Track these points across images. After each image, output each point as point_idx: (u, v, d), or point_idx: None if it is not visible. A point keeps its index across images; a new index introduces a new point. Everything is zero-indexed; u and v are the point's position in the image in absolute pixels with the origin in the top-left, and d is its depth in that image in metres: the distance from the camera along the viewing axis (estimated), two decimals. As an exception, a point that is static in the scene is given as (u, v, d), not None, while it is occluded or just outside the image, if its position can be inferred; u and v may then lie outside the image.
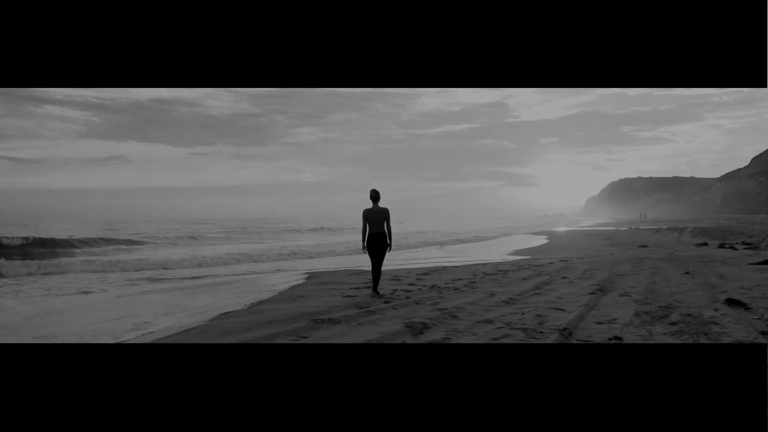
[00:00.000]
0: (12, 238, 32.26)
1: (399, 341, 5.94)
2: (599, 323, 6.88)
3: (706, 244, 23.92)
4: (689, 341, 5.65)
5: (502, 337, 5.86)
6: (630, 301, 8.74)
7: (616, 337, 5.71)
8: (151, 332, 7.06)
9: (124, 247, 34.64)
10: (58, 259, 21.46)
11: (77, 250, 31.49)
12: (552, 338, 5.81)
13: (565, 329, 6.23)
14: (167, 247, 34.59)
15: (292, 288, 11.22)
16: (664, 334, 6.06)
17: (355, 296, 9.47)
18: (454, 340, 5.87)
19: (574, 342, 5.80)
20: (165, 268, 18.16)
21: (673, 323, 6.59)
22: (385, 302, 8.65)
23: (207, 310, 8.64)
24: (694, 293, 9.51)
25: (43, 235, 35.70)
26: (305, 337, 6.09)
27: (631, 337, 5.87)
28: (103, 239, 37.99)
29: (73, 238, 36.58)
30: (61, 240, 34.87)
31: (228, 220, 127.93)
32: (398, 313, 7.67)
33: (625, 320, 6.96)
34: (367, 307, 8.13)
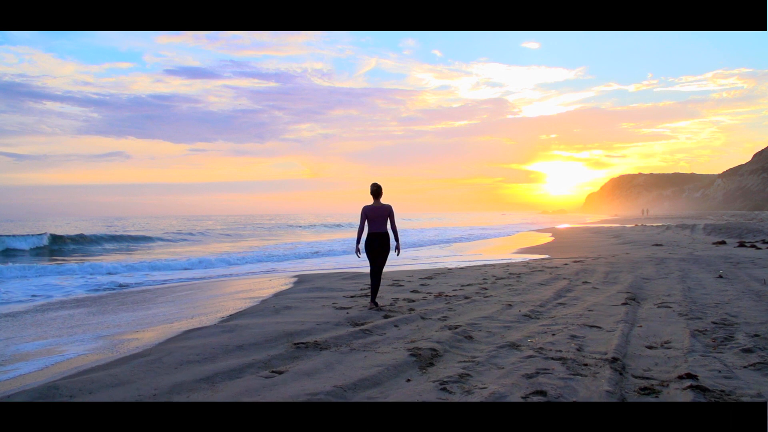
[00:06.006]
0: (35, 235, 31.47)
1: (402, 377, 4.57)
2: (650, 348, 5.53)
3: (723, 242, 22.63)
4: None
5: (537, 373, 4.48)
6: (673, 314, 7.39)
7: (689, 375, 4.34)
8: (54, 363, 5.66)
9: (142, 244, 33.57)
10: (54, 260, 20.15)
11: (93, 248, 30.48)
12: (604, 374, 4.44)
13: (615, 359, 4.86)
14: (168, 246, 33.32)
15: (277, 295, 9.82)
16: (745, 367, 4.70)
17: (350, 308, 8.08)
18: (475, 377, 4.50)
19: (631, 378, 4.44)
20: (153, 269, 16.82)
21: (748, 350, 5.23)
22: (385, 317, 7.27)
23: (171, 324, 7.26)
24: (743, 303, 8.17)
25: (48, 232, 34.41)
26: (280, 372, 4.71)
27: (703, 372, 4.51)
28: (118, 236, 36.90)
29: (82, 235, 35.49)
30: (72, 237, 33.85)
31: (227, 217, 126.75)
32: (401, 332, 6.29)
33: (683, 344, 5.60)
34: (363, 324, 6.75)
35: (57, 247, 30.43)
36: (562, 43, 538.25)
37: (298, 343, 5.66)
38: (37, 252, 27.81)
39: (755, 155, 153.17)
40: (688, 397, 3.82)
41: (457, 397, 3.97)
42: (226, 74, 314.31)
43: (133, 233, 41.76)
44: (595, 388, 4.11)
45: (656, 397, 3.99)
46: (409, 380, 4.48)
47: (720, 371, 4.52)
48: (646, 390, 4.12)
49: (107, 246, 32.20)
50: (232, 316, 7.74)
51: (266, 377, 4.57)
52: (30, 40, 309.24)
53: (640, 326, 6.62)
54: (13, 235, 31.96)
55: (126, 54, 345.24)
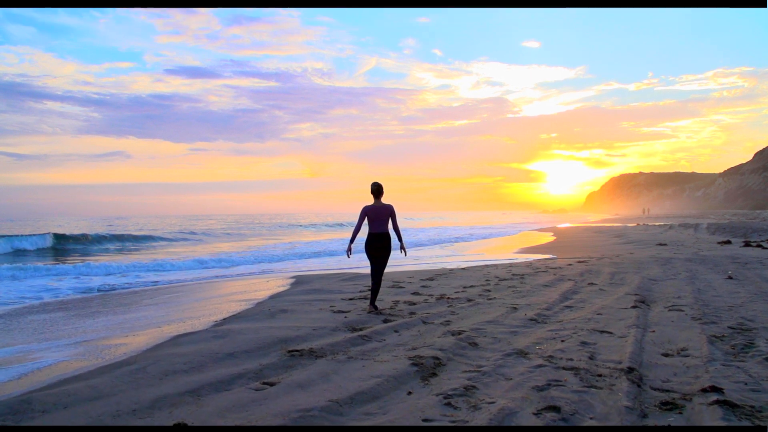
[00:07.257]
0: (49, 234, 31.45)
1: (403, 389, 4.25)
2: (666, 355, 5.20)
3: (729, 242, 22.31)
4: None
5: (548, 385, 4.16)
6: (686, 318, 7.07)
7: (713, 388, 4.01)
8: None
9: (145, 244, 33.36)
10: (59, 260, 19.87)
11: (95, 247, 30.30)
12: (620, 386, 4.12)
13: (631, 369, 4.53)
14: (171, 245, 33.09)
15: (273, 297, 9.49)
16: (771, 377, 4.37)
17: (348, 312, 7.75)
18: (481, 389, 4.17)
19: (650, 390, 4.12)
20: (150, 270, 16.52)
21: (771, 358, 4.90)
22: (385, 321, 6.94)
23: (160, 328, 6.93)
24: (757, 306, 7.85)
25: (51, 231, 34.22)
26: (272, 384, 4.38)
27: (728, 384, 4.18)
28: (120, 235, 36.72)
29: (91, 234, 35.37)
30: (74, 236, 33.69)
31: (228, 216, 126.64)
32: (401, 338, 5.97)
33: (701, 351, 5.27)
34: (361, 330, 6.42)
35: (60, 246, 30.26)
36: (562, 42, 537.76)
37: (292, 351, 5.34)
38: (41, 252, 27.53)
39: (756, 154, 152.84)
40: (716, 414, 3.50)
41: (463, 414, 3.65)
42: (226, 74, 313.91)
43: (135, 233, 41.46)
44: (612, 403, 3.79)
45: (680, 413, 3.66)
46: (410, 393, 4.15)
47: (746, 383, 4.19)
48: (668, 405, 3.79)
49: (110, 246, 31.92)
50: (225, 320, 7.42)
51: (257, 389, 4.25)
52: (30, 40, 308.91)
53: (653, 331, 6.29)
54: (18, 235, 31.73)
55: (126, 54, 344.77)
